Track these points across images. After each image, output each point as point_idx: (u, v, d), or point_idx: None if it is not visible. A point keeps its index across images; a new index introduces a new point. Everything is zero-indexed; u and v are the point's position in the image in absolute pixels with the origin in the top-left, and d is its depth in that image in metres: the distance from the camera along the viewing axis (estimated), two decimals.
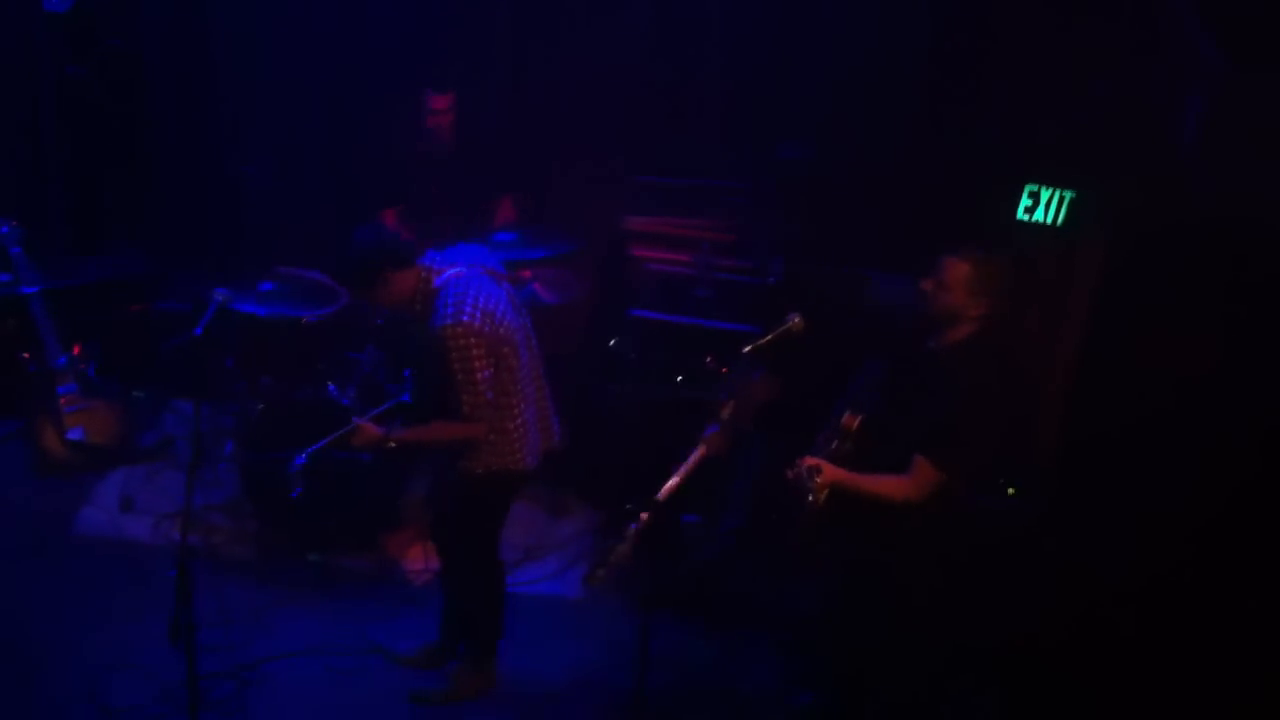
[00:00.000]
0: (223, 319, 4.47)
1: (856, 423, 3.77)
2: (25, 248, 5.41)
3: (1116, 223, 4.37)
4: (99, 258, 6.57)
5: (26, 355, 5.50)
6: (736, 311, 5.20)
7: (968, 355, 3.70)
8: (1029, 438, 4.49)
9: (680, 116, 6.06)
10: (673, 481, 3.63)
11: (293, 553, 5.01)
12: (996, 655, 4.24)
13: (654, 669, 3.67)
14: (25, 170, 6.52)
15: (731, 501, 4.82)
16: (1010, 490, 4.43)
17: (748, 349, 3.73)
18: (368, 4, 6.26)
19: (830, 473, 3.64)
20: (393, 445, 3.95)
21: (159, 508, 5.31)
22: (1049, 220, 4.47)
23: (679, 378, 5.20)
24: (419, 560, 5.02)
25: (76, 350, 5.55)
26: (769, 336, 3.78)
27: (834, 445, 3.78)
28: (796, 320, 3.80)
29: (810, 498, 3.58)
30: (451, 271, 3.84)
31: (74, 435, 5.49)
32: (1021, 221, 4.51)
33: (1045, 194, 4.47)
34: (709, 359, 5.10)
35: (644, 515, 3.55)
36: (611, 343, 5.40)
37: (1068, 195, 4.43)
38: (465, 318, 3.71)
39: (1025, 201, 4.50)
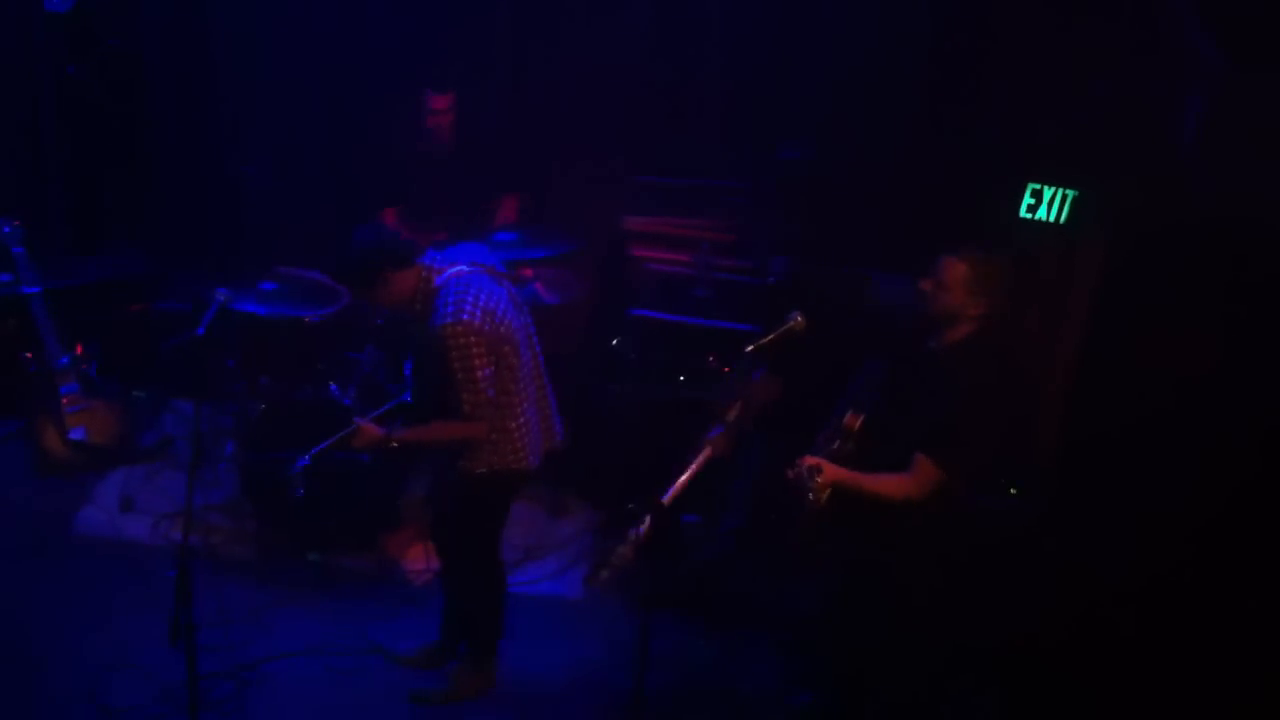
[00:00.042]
0: (224, 319, 4.47)
1: (859, 423, 3.78)
2: (26, 248, 5.41)
3: (1116, 222, 4.37)
4: (99, 258, 6.57)
5: (29, 355, 5.50)
6: (736, 311, 5.21)
7: (968, 355, 3.71)
8: (1029, 438, 4.50)
9: (680, 116, 6.06)
10: (678, 485, 3.61)
11: (293, 553, 5.00)
12: (996, 655, 4.24)
13: (654, 669, 3.67)
14: (25, 170, 6.52)
15: (732, 501, 4.82)
16: (1013, 491, 4.43)
17: (750, 348, 3.73)
18: (368, 4, 6.26)
19: (831, 472, 3.64)
20: (395, 446, 3.95)
21: (159, 508, 5.31)
22: (1052, 218, 4.47)
23: (681, 378, 5.20)
24: (419, 560, 5.02)
25: (79, 350, 5.55)
26: (771, 336, 3.78)
27: (836, 445, 3.78)
28: (798, 319, 3.80)
29: (811, 497, 3.58)
30: (452, 271, 3.84)
31: (76, 435, 5.49)
32: (1023, 220, 4.52)
33: (1048, 193, 4.47)
34: (711, 358, 5.11)
35: (648, 520, 3.53)
36: (614, 342, 5.40)
37: (1070, 194, 4.43)
38: (465, 316, 3.70)
39: (1028, 200, 4.50)
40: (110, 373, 5.71)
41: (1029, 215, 4.51)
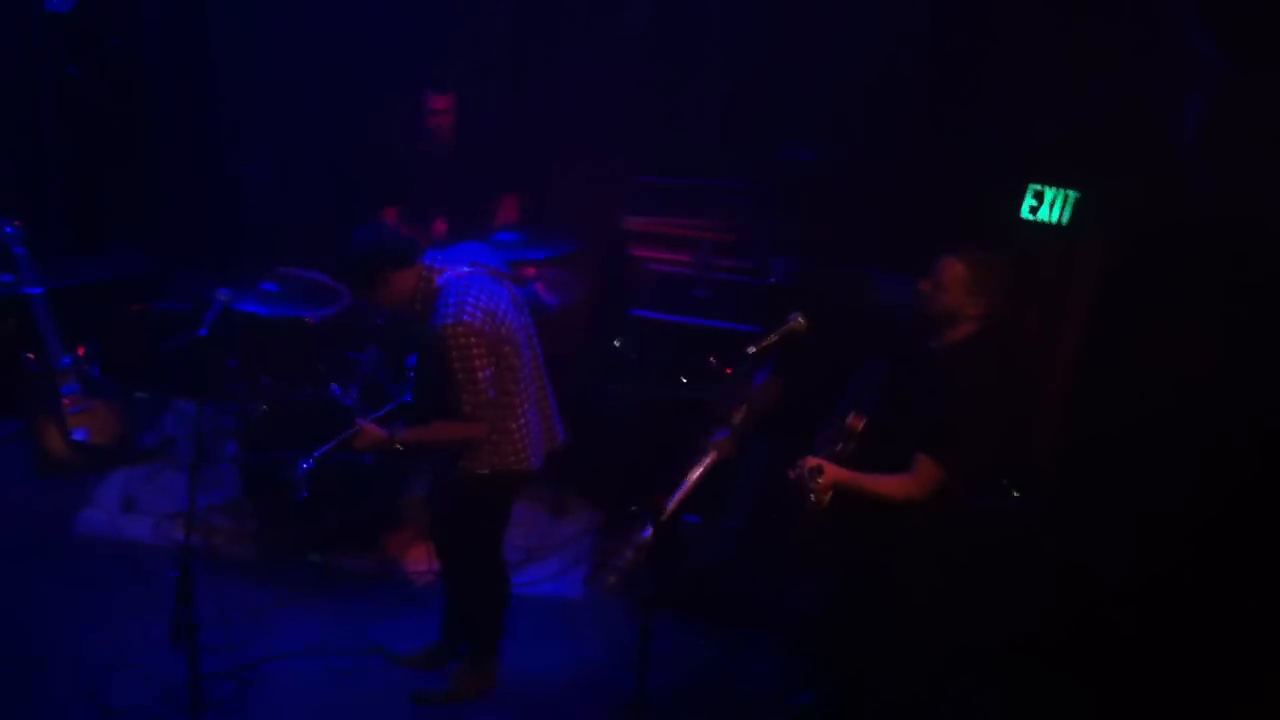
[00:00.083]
0: (225, 319, 4.47)
1: (861, 424, 3.78)
2: (28, 248, 5.41)
3: (1116, 223, 4.37)
4: (99, 258, 6.58)
5: (31, 355, 5.50)
6: (737, 312, 5.21)
7: (967, 355, 3.71)
8: (1029, 438, 4.50)
9: (680, 116, 6.06)
10: (684, 489, 3.59)
11: (293, 553, 5.01)
12: (996, 655, 4.24)
13: (654, 669, 3.67)
14: (25, 170, 6.52)
15: (732, 502, 4.82)
16: (1015, 494, 4.44)
17: (751, 349, 3.73)
18: (368, 4, 6.26)
19: (833, 473, 3.64)
20: (398, 447, 3.94)
21: (160, 508, 5.31)
22: (1054, 219, 4.47)
23: (682, 378, 5.20)
24: (420, 560, 5.02)
25: (81, 351, 5.55)
26: (773, 336, 3.78)
27: (838, 447, 3.77)
28: (799, 320, 3.80)
29: (813, 498, 3.58)
30: (453, 271, 3.84)
31: (78, 436, 5.50)
32: (1024, 220, 4.52)
33: (1050, 194, 4.47)
34: (711, 359, 5.11)
35: (653, 526, 3.52)
36: (615, 343, 5.40)
37: (1072, 195, 4.44)
38: (466, 316, 3.70)
39: (1030, 201, 4.50)
40: (111, 373, 5.72)
41: (1031, 216, 4.52)
